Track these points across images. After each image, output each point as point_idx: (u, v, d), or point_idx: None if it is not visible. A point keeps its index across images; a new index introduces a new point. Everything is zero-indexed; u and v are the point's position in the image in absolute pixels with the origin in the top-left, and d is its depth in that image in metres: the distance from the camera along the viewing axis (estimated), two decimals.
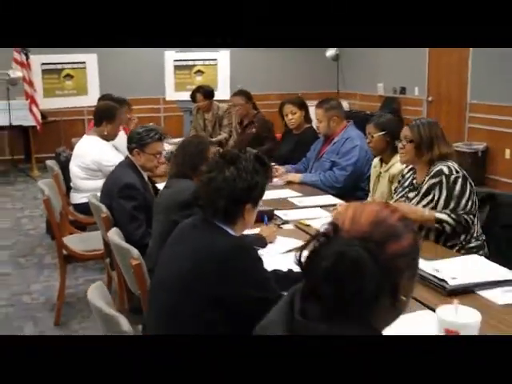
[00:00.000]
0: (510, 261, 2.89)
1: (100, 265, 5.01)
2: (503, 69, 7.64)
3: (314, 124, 5.42)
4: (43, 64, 9.07)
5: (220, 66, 9.98)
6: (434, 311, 2.01)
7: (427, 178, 3.25)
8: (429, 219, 3.13)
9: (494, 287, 2.44)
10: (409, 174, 3.50)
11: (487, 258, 2.90)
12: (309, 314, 1.23)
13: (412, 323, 2.11)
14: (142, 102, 9.65)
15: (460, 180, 3.16)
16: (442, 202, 3.19)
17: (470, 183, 3.20)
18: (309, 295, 1.26)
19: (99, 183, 4.48)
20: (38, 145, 9.31)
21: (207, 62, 10.01)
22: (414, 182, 3.41)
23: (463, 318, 1.74)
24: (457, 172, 3.18)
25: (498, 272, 2.58)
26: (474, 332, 1.75)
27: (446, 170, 3.19)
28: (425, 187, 3.26)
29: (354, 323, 1.21)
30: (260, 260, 2.16)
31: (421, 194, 3.28)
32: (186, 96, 8.89)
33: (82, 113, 9.72)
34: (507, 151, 7.79)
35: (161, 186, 4.24)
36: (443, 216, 3.14)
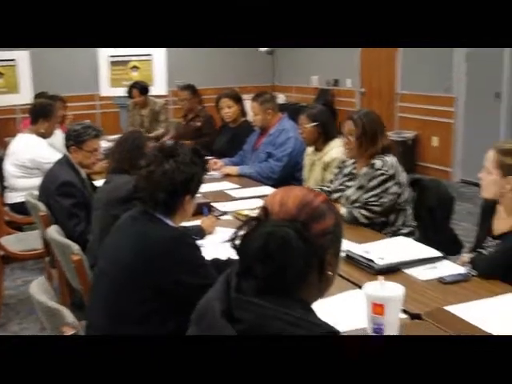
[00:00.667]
0: (435, 240, 3.11)
1: (39, 265, 4.98)
2: (431, 59, 7.95)
3: (250, 117, 5.54)
4: None
5: (155, 61, 9.96)
6: None
7: (364, 169, 3.40)
8: None
9: (417, 265, 2.63)
10: (350, 162, 3.61)
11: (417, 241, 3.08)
12: (244, 290, 1.33)
13: (345, 301, 2.27)
14: (77, 98, 9.54)
15: (382, 177, 3.30)
16: (354, 189, 3.39)
17: (398, 183, 3.33)
18: (243, 273, 1.36)
19: (36, 181, 4.48)
20: None
21: (143, 58, 9.95)
22: (355, 171, 3.54)
23: (388, 292, 1.89)
24: (387, 170, 3.31)
25: (422, 251, 2.76)
26: (398, 304, 1.91)
27: (378, 164, 3.32)
28: (359, 177, 3.43)
29: (285, 297, 1.32)
30: (198, 248, 2.26)
31: (356, 186, 3.43)
32: (122, 92, 8.85)
33: (14, 111, 9.54)
34: (435, 139, 8.12)
35: (98, 183, 4.28)
36: (342, 209, 3.32)
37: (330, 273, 1.42)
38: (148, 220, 2.26)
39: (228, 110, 5.39)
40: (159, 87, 9.39)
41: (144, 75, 9.58)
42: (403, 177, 3.40)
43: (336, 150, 4.10)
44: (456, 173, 7.91)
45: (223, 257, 2.63)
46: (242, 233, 1.38)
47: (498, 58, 7.08)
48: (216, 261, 2.56)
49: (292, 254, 1.32)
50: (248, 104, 5.63)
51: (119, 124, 8.98)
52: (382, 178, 3.30)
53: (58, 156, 4.32)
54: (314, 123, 4.14)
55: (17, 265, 4.71)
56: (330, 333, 1.30)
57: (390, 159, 3.36)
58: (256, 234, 1.35)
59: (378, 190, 3.31)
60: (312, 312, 1.38)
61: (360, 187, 3.40)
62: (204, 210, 3.40)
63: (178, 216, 2.32)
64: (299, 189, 1.46)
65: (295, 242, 1.32)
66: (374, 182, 3.32)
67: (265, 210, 1.39)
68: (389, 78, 8.81)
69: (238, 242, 1.39)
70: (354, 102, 9.50)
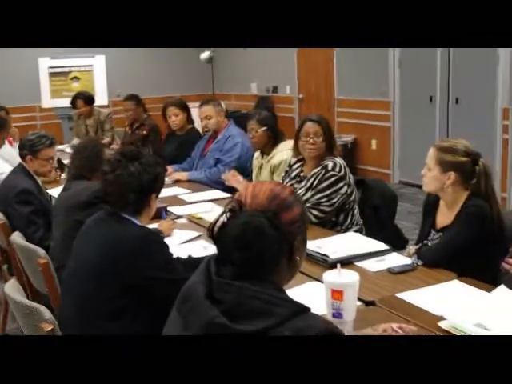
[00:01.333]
0: (381, 236, 3.27)
1: None
2: (366, 65, 8.19)
3: (197, 124, 5.65)
4: None
5: (96, 71, 9.96)
6: (320, 281, 2.31)
7: (315, 170, 3.52)
8: None
9: (367, 258, 2.80)
10: (296, 165, 3.73)
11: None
12: (223, 274, 1.46)
13: (303, 292, 2.39)
14: (17, 110, 9.43)
15: (333, 179, 3.45)
16: (303, 190, 3.51)
17: (348, 184, 3.49)
18: (222, 260, 1.49)
19: None
20: None
21: (83, 68, 9.94)
22: (302, 174, 3.66)
23: (345, 279, 2.05)
24: (338, 170, 3.46)
25: (371, 245, 2.93)
26: (355, 289, 2.05)
27: (330, 165, 3.47)
28: (309, 178, 3.55)
29: (260, 280, 1.44)
30: (166, 245, 2.37)
31: (306, 186, 3.54)
32: (63, 103, 8.88)
33: None
34: (373, 142, 8.36)
35: (52, 191, 4.31)
36: None
37: (297, 258, 1.56)
38: (115, 221, 2.35)
39: (175, 118, 5.47)
40: (100, 97, 9.39)
41: (85, 86, 9.57)
42: (351, 177, 3.56)
43: (283, 152, 4.27)
44: (395, 174, 8.17)
45: (183, 255, 2.74)
46: (219, 223, 1.50)
47: (431, 63, 7.33)
48: (179, 259, 2.66)
49: (266, 241, 1.45)
50: (194, 111, 5.76)
51: (62, 135, 8.93)
52: (333, 179, 3.44)
53: (8, 167, 4.35)
54: (264, 127, 4.30)
55: None
56: (302, 308, 1.44)
57: (340, 161, 3.51)
58: (232, 224, 1.47)
59: (329, 191, 3.44)
60: (284, 292, 1.51)
61: (310, 188, 3.52)
62: (162, 213, 3.51)
63: (145, 215, 2.43)
64: (268, 182, 1.59)
65: (268, 230, 1.45)
66: (326, 183, 3.44)
67: (239, 202, 1.51)
68: (326, 83, 9.02)
69: (215, 232, 1.51)
70: (293, 108, 9.69)
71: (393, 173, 8.17)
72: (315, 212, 3.44)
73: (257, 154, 4.54)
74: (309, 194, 3.50)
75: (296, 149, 3.68)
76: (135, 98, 6.53)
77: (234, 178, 4.17)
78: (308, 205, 3.42)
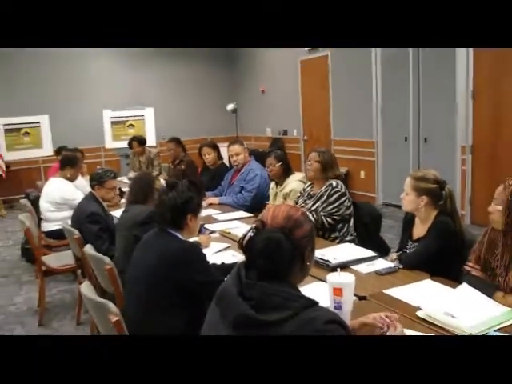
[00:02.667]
0: (370, 246, 3.26)
1: (68, 278, 5.01)
2: (356, 113, 8.20)
3: (225, 160, 5.69)
4: (5, 125, 8.91)
5: (147, 119, 10.09)
6: (324, 281, 2.31)
7: (321, 189, 3.60)
8: None
9: (360, 263, 2.80)
10: (308, 188, 3.81)
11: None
12: (251, 277, 1.49)
13: (311, 290, 2.40)
14: (86, 150, 9.51)
15: (338, 194, 3.52)
16: (319, 202, 3.56)
17: (348, 199, 3.56)
18: (249, 266, 1.52)
19: (65, 214, 4.58)
20: (3, 189, 9.03)
21: (137, 118, 10.06)
22: (311, 192, 3.73)
23: (344, 279, 2.05)
24: (340, 188, 3.55)
25: (363, 253, 2.94)
26: (352, 287, 2.05)
27: (334, 184, 3.56)
28: (318, 195, 3.61)
29: (279, 281, 1.47)
30: (204, 255, 2.39)
31: (314, 200, 3.61)
32: (121, 144, 9.01)
33: (38, 162, 9.51)
34: (362, 172, 8.33)
35: (114, 213, 4.36)
36: (309, 215, 3.49)
37: (308, 263, 1.58)
38: (166, 236, 2.38)
39: (208, 156, 5.52)
40: (150, 140, 9.50)
41: (138, 131, 9.69)
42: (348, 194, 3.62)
43: (293, 183, 4.28)
44: (378, 197, 8.11)
45: (218, 262, 2.78)
46: (247, 237, 1.53)
47: (405, 110, 7.32)
48: (214, 265, 2.69)
49: (283, 251, 1.48)
50: (223, 150, 5.81)
51: (121, 169, 9.02)
52: (338, 194, 3.52)
53: (80, 194, 4.41)
54: (280, 163, 4.33)
55: (50, 279, 4.72)
56: (312, 302, 1.45)
57: (340, 182, 3.60)
58: (257, 238, 1.50)
59: (337, 203, 3.51)
60: (297, 290, 1.53)
61: (319, 200, 3.57)
62: (202, 229, 3.54)
63: (186, 231, 2.44)
64: (285, 206, 1.61)
65: (285, 243, 1.48)
66: (334, 197, 3.51)
67: (262, 221, 1.54)
68: (325, 127, 9.01)
69: (244, 244, 1.54)
70: (299, 147, 9.69)
71: (377, 196, 8.12)
72: (329, 220, 3.50)
73: (272, 184, 4.56)
74: (319, 203, 3.55)
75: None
76: (176, 140, 6.60)
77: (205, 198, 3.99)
78: (323, 214, 3.49)
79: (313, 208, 3.59)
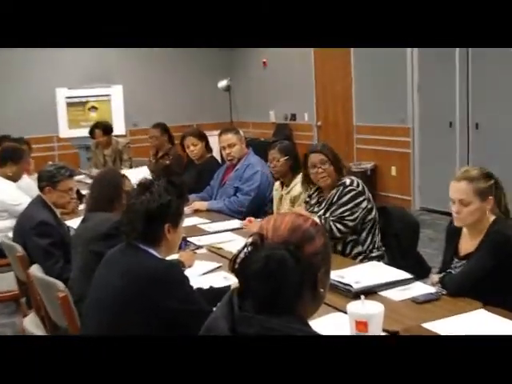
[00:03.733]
0: (403, 265, 3.26)
1: (9, 308, 4.98)
2: (385, 91, 8.20)
3: (215, 153, 5.68)
4: None
5: (113, 101, 10.09)
6: (344, 312, 2.30)
7: (333, 191, 3.61)
8: None
9: (391, 287, 2.79)
10: (315, 194, 3.82)
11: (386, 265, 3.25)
12: (246, 308, 1.47)
13: (327, 324, 2.38)
14: (34, 140, 9.51)
15: (352, 193, 3.54)
16: (323, 210, 3.59)
17: (368, 200, 3.56)
18: (244, 293, 1.50)
19: (6, 223, 4.55)
20: None
21: (100, 98, 10.08)
22: (321, 199, 3.74)
23: (369, 310, 2.04)
24: (356, 186, 3.56)
25: (394, 274, 2.93)
26: (380, 320, 2.05)
27: (347, 181, 3.58)
28: (328, 198, 3.63)
29: (283, 313, 1.45)
30: (186, 277, 2.37)
31: (326, 205, 3.62)
32: (80, 132, 8.99)
33: None
34: (393, 168, 8.35)
35: (70, 222, 4.34)
36: (316, 220, 3.48)
37: (321, 289, 1.56)
38: (135, 252, 2.36)
39: (193, 148, 5.52)
40: (118, 127, 9.50)
41: (102, 115, 9.69)
42: (370, 195, 3.63)
43: None
44: (415, 201, 8.13)
45: (205, 286, 2.76)
46: (241, 256, 1.51)
47: (450, 87, 7.34)
48: (200, 290, 2.67)
49: (288, 274, 1.46)
50: (212, 140, 5.80)
51: (79, 165, 9.01)
52: (353, 193, 3.54)
53: (26, 198, 4.39)
54: (286, 157, 4.33)
55: None
56: None
57: (356, 178, 3.61)
58: (254, 257, 1.49)
59: (350, 205, 3.52)
60: (307, 325, 1.51)
61: (330, 204, 3.60)
62: (181, 243, 3.52)
63: (164, 247, 2.42)
64: (290, 214, 1.60)
65: (290, 262, 1.47)
66: (346, 198, 3.53)
67: (260, 235, 1.52)
68: (344, 110, 9.05)
69: (237, 266, 1.52)
70: (311, 135, 9.72)
71: (413, 199, 8.14)
72: (339, 226, 3.51)
73: (276, 184, 4.55)
74: (329, 211, 3.57)
75: (306, 182, 3.82)
76: (162, 127, 6.63)
77: (252, 224, 4.09)
78: (332, 218, 3.52)
79: (320, 213, 3.62)
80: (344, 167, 3.70)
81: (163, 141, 6.56)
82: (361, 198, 3.55)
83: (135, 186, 2.52)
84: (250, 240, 1.53)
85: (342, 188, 3.56)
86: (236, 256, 1.52)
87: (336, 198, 3.57)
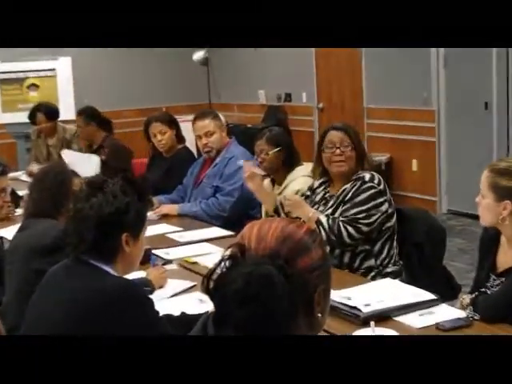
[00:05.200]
0: (426, 283, 3.26)
1: None
2: (403, 66, 8.21)
3: (190, 143, 5.67)
4: None
5: (60, 77, 10.03)
6: None
7: (346, 185, 3.62)
8: (312, 220, 3.49)
9: (410, 311, 2.79)
10: (320, 189, 3.83)
11: (404, 283, 3.25)
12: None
13: None
14: None
15: (372, 191, 3.55)
16: (331, 209, 3.61)
17: (389, 202, 3.59)
18: (221, 320, 1.49)
19: None
20: None
21: (43, 74, 10.00)
22: (327, 195, 3.76)
23: None
24: (378, 183, 3.57)
25: (414, 295, 2.93)
26: None
27: (367, 176, 3.59)
28: (339, 195, 3.64)
29: None
30: (148, 300, 2.37)
31: (335, 204, 3.64)
32: (18, 117, 8.92)
33: None
34: (414, 162, 8.36)
35: (3, 231, 4.32)
36: (323, 218, 3.52)
37: (319, 314, 1.56)
38: (84, 271, 2.36)
39: (161, 137, 5.50)
40: (66, 110, 9.43)
41: (46, 95, 9.62)
42: (391, 197, 3.65)
43: (299, 180, 4.29)
44: (442, 202, 8.18)
45: (175, 312, 2.75)
46: (216, 275, 1.50)
47: (486, 61, 7.36)
48: (169, 317, 2.66)
49: (276, 295, 1.45)
50: (185, 127, 5.79)
51: (16, 158, 8.97)
52: (373, 191, 3.54)
53: None
54: (277, 148, 4.33)
55: None
56: None
57: (377, 174, 3.62)
58: (233, 275, 1.47)
59: (368, 205, 3.52)
60: None
61: (341, 203, 3.61)
62: (151, 257, 3.52)
63: (121, 263, 2.41)
64: (278, 220, 1.60)
65: (278, 281, 1.45)
66: (364, 196, 3.54)
67: (241, 246, 1.52)
68: (352, 89, 9.09)
69: (211, 285, 1.51)
70: (311, 120, 9.76)
71: (440, 200, 8.19)
72: (350, 229, 3.50)
73: (266, 182, 4.54)
74: (339, 210, 3.60)
75: (318, 167, 3.80)
76: (87, 112, 6.58)
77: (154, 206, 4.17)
78: (342, 219, 3.52)
79: (328, 212, 3.63)
80: (366, 159, 3.72)
81: (92, 130, 6.54)
82: (381, 199, 3.56)
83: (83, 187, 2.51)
84: (228, 253, 1.52)
85: (359, 183, 3.57)
86: (210, 273, 1.51)
87: (351, 194, 3.58)
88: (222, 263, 1.50)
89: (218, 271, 1.50)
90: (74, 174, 3.41)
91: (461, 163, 7.82)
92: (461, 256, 6.07)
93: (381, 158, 8.48)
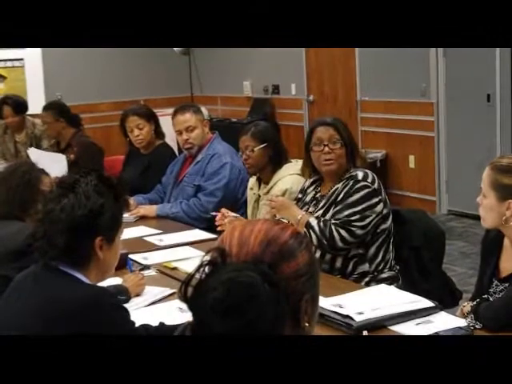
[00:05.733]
0: (424, 289, 3.27)
1: None
2: (400, 55, 8.20)
3: (170, 139, 5.65)
4: None
5: (29, 67, 10.01)
6: None
7: (337, 185, 3.62)
8: (301, 223, 3.52)
9: (406, 320, 2.80)
10: (311, 188, 3.84)
11: (401, 289, 3.26)
12: None
13: None
14: None
15: (366, 191, 3.55)
16: (321, 210, 3.62)
17: (385, 203, 3.60)
18: (199, 331, 1.48)
19: None
20: None
21: (10, 64, 10.00)
22: (318, 195, 3.76)
23: None
24: (371, 182, 3.57)
25: (410, 302, 2.93)
26: None
27: (360, 175, 3.59)
28: (329, 196, 3.64)
29: None
30: (123, 310, 2.36)
31: (326, 205, 3.64)
32: None
33: None
34: (411, 158, 8.38)
35: None
36: (313, 221, 3.53)
37: (306, 324, 1.56)
38: (53, 276, 2.34)
39: (139, 132, 5.50)
40: (35, 103, 9.39)
41: (13, 87, 9.63)
42: (386, 196, 3.66)
43: (286, 179, 4.29)
44: (442, 202, 8.20)
45: (153, 322, 2.73)
46: (194, 282, 1.50)
47: (488, 50, 7.32)
48: (145, 328, 2.65)
49: (259, 304, 1.44)
50: (165, 121, 5.78)
51: None
52: (366, 191, 3.54)
53: None
54: (263, 144, 4.33)
55: None
56: None
57: (370, 172, 3.62)
58: (212, 282, 1.47)
59: (361, 206, 3.52)
60: None
61: (332, 204, 3.61)
62: (128, 262, 3.52)
63: (95, 269, 2.40)
64: (262, 222, 1.60)
65: (262, 288, 1.45)
66: (357, 196, 3.54)
67: (221, 251, 1.51)
68: (345, 80, 9.10)
69: (189, 293, 1.51)
70: (301, 114, 9.77)
71: (439, 200, 8.21)
72: (343, 233, 3.50)
73: (252, 181, 4.55)
74: (331, 211, 3.59)
75: (307, 167, 3.82)
76: (52, 108, 6.55)
77: (131, 207, 4.14)
78: (334, 222, 3.52)
79: (319, 213, 3.63)
80: (358, 155, 3.73)
81: (61, 127, 6.50)
82: (376, 199, 3.56)
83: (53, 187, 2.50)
84: (207, 258, 1.51)
85: (351, 183, 3.58)
86: (188, 280, 1.50)
87: (343, 195, 3.58)
88: (201, 269, 1.50)
89: (196, 278, 1.50)
90: (43, 172, 3.39)
91: (462, 160, 7.84)
92: (462, 260, 6.09)
93: (376, 154, 8.50)
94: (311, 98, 9.64)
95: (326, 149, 3.62)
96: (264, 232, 1.54)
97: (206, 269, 1.49)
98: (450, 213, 8.06)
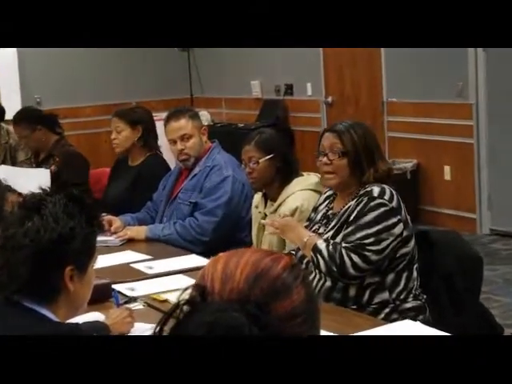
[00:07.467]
0: (458, 325, 3.24)
1: None
2: (432, 51, 8.20)
3: (164, 148, 5.64)
4: None
5: (3, 70, 10.09)
6: None
7: (350, 202, 3.61)
8: (308, 246, 3.52)
9: None
10: (323, 205, 3.84)
11: (428, 323, 3.22)
12: None
13: None
14: None
15: (382, 210, 3.51)
16: (331, 232, 3.61)
17: (406, 223, 3.56)
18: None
19: None
20: None
21: None
22: (329, 213, 3.75)
23: None
24: (389, 200, 3.53)
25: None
26: None
27: (376, 191, 3.55)
28: (341, 215, 3.62)
29: None
30: None
31: (336, 225, 3.62)
32: None
33: None
34: (447, 169, 8.37)
35: None
36: (321, 244, 3.50)
37: None
38: (14, 314, 2.33)
39: (115, 135, 5.56)
40: (10, 108, 9.42)
41: None
42: (408, 216, 3.63)
43: (297, 195, 4.27)
44: (483, 220, 8.17)
45: None
46: (169, 324, 1.48)
47: None
48: None
49: None
50: (161, 126, 5.77)
51: None
52: (382, 210, 3.50)
53: None
54: (269, 155, 4.31)
55: None
56: None
57: (388, 188, 3.58)
58: (191, 324, 1.45)
59: (376, 228, 3.48)
60: None
61: (343, 224, 3.59)
62: (115, 294, 3.52)
63: (63, 304, 2.38)
64: (250, 252, 1.57)
65: (249, 332, 1.42)
66: (371, 216, 3.50)
67: (201, 288, 1.50)
68: (370, 79, 9.15)
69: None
70: (319, 117, 9.81)
71: (480, 218, 8.19)
72: (355, 258, 3.46)
73: (257, 199, 4.53)
74: (341, 235, 3.57)
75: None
76: (26, 118, 6.49)
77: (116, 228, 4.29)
78: (345, 245, 3.49)
79: (329, 234, 3.61)
80: (374, 166, 3.64)
81: (41, 135, 6.42)
82: (394, 219, 3.53)
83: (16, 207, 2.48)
84: (186, 296, 1.50)
85: (366, 200, 3.55)
86: (163, 321, 1.49)
87: (355, 213, 3.55)
88: (178, 310, 1.47)
89: (173, 320, 1.47)
90: (10, 189, 3.38)
91: (506, 171, 7.86)
92: (507, 288, 6.04)
93: (405, 164, 8.49)
94: (329, 99, 9.69)
95: (325, 159, 3.63)
96: (252, 264, 1.52)
97: (184, 309, 1.47)
98: (492, 233, 8.05)
